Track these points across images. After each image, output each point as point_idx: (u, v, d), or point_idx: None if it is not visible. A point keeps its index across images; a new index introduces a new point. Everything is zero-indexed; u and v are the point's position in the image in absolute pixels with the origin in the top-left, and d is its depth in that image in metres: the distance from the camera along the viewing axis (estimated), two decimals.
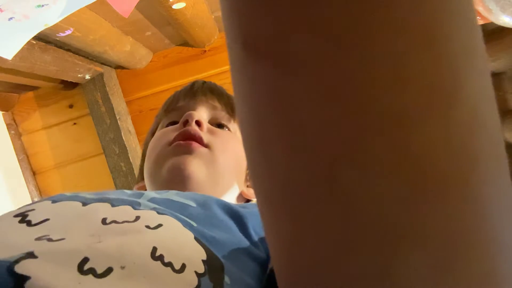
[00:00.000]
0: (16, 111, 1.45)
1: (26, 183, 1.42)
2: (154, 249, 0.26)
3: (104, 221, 0.29)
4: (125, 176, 1.34)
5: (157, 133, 0.57)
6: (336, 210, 0.14)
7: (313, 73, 0.14)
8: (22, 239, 0.26)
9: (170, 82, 1.43)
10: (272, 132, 0.15)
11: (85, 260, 0.23)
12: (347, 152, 0.14)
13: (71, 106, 1.44)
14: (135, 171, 1.33)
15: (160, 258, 0.26)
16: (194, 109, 0.56)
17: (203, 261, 0.28)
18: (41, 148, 1.44)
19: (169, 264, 0.25)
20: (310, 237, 0.16)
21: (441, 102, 0.13)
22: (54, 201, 0.32)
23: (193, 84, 0.62)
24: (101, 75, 1.34)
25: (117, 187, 1.35)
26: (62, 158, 1.44)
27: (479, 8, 0.83)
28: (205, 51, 1.44)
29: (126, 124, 1.38)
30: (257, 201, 0.18)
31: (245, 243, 0.34)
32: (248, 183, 0.59)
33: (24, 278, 0.21)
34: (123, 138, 1.34)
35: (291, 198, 0.16)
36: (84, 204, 0.32)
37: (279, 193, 0.16)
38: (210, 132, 0.54)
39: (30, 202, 1.40)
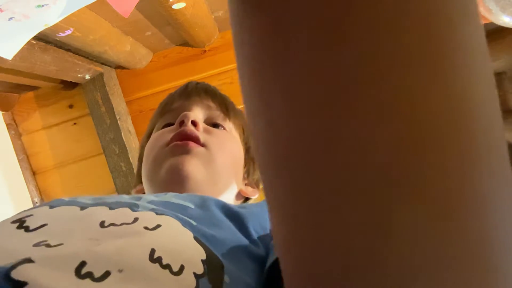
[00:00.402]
0: (16, 111, 1.45)
1: (26, 183, 1.42)
2: (153, 251, 0.26)
3: (102, 224, 0.29)
4: (125, 176, 1.34)
5: (154, 135, 0.58)
6: (330, 152, 0.15)
7: (310, 34, 0.14)
8: (20, 245, 0.26)
9: (170, 82, 1.43)
10: (269, 75, 0.16)
11: (83, 264, 0.23)
12: (342, 100, 0.14)
13: (71, 106, 1.44)
14: (135, 171, 1.33)
15: (158, 260, 0.26)
16: (189, 110, 0.56)
17: (202, 261, 0.28)
18: (41, 148, 1.44)
19: (167, 266, 0.25)
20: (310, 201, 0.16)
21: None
22: (52, 207, 0.32)
23: (187, 85, 0.63)
24: (101, 75, 1.34)
25: (117, 187, 1.35)
26: (62, 158, 1.44)
27: (479, 8, 0.83)
28: (205, 51, 1.44)
29: (126, 124, 1.38)
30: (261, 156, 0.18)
31: (245, 242, 0.34)
32: (246, 181, 0.60)
33: (21, 284, 0.21)
34: (123, 138, 1.34)
35: (291, 150, 0.16)
36: (82, 208, 0.32)
37: (281, 151, 0.16)
38: (206, 131, 0.54)
39: (30, 202, 1.39)
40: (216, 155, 0.52)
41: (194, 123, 0.53)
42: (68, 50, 1.12)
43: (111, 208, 0.32)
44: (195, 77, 1.44)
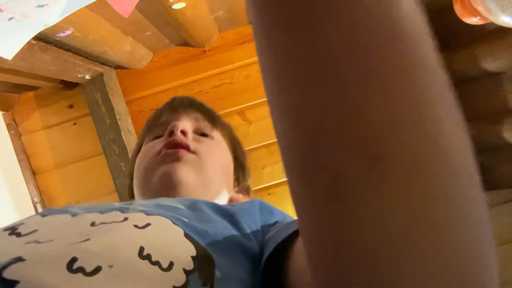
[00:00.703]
0: (16, 111, 1.45)
1: (26, 183, 1.42)
2: (141, 248, 0.27)
3: (92, 224, 0.30)
4: (125, 176, 1.34)
5: (144, 148, 0.59)
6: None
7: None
8: (12, 247, 0.27)
9: (170, 82, 1.43)
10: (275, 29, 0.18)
11: (74, 259, 0.24)
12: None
13: (71, 106, 1.44)
14: None
15: (148, 257, 0.26)
16: (177, 121, 0.57)
17: (192, 257, 0.28)
18: (41, 148, 1.44)
19: (156, 263, 0.26)
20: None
21: None
22: (43, 215, 0.33)
23: (172, 100, 0.65)
24: (101, 75, 1.34)
25: (117, 187, 1.35)
26: (62, 158, 1.44)
27: (479, 8, 0.83)
28: (205, 51, 1.44)
29: (126, 124, 1.38)
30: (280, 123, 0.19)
31: (238, 236, 0.35)
32: (237, 189, 0.61)
33: (13, 283, 0.21)
34: (123, 138, 1.34)
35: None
36: (73, 215, 0.33)
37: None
38: (195, 140, 0.56)
39: (30, 202, 1.38)
40: (206, 162, 0.53)
41: (183, 132, 0.55)
42: (68, 50, 1.12)
43: (101, 213, 0.33)
44: (195, 77, 1.44)
